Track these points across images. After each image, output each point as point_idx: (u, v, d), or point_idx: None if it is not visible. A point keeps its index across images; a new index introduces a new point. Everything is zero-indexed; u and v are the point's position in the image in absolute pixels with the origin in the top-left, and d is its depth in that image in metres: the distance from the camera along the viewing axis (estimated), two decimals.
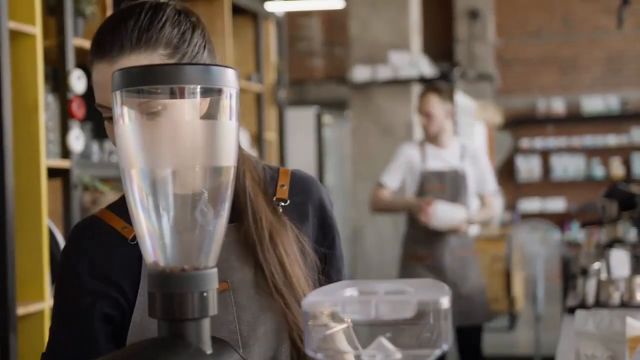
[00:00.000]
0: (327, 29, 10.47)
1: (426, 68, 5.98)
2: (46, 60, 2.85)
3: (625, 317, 1.84)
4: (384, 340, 0.75)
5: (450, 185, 4.09)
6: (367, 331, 0.78)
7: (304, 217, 1.31)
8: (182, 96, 0.88)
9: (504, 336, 6.94)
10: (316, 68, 10.50)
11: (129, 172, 0.89)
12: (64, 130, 2.91)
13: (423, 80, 5.98)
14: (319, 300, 0.75)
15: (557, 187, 10.48)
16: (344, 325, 0.79)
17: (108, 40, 1.17)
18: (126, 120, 0.89)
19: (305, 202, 1.32)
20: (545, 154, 10.49)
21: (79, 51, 3.00)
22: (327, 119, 7.05)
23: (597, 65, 10.35)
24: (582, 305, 2.67)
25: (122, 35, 1.16)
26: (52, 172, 2.86)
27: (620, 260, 2.98)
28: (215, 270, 0.90)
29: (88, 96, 3.00)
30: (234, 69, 0.91)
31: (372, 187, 4.50)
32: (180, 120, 0.93)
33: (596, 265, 2.84)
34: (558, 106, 10.38)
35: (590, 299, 2.69)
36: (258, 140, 4.77)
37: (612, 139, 10.22)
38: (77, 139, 2.92)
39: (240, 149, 1.27)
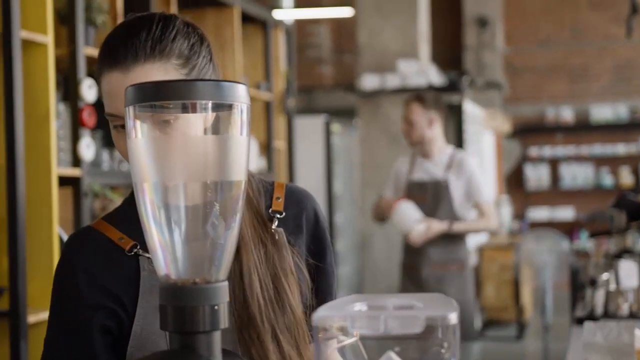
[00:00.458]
0: (335, 37, 10.49)
1: (435, 77, 5.99)
2: (57, 69, 2.88)
3: (633, 329, 1.84)
4: (393, 355, 0.76)
5: (431, 196, 4.08)
6: (376, 345, 0.79)
7: (299, 230, 1.32)
8: (194, 111, 0.89)
9: (512, 345, 6.92)
10: (325, 75, 10.52)
11: (142, 185, 0.90)
12: (75, 138, 2.93)
13: (432, 89, 5.98)
14: (329, 315, 0.76)
15: (566, 196, 10.46)
16: (353, 339, 0.80)
17: (121, 49, 1.18)
18: (139, 134, 0.90)
19: (299, 214, 1.33)
20: (554, 163, 10.47)
21: (90, 60, 3.02)
22: (336, 127, 7.06)
23: (606, 74, 10.34)
24: (591, 316, 2.66)
25: (136, 44, 1.17)
26: (63, 181, 2.87)
27: (629, 270, 2.97)
28: (226, 283, 0.91)
29: (99, 105, 3.03)
30: (244, 85, 0.92)
31: (380, 194, 4.54)
32: (191, 135, 0.95)
33: (605, 275, 2.84)
34: (567, 115, 10.37)
35: (599, 309, 2.69)
36: (267, 148, 4.79)
37: (621, 148, 10.19)
38: (87, 147, 2.94)
39: None
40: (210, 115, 0.90)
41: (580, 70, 10.41)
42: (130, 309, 1.21)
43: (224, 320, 0.90)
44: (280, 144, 4.98)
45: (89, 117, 2.94)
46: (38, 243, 2.71)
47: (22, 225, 2.61)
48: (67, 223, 2.93)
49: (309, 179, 6.39)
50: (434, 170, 4.08)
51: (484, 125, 8.45)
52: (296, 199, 1.34)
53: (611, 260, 3.36)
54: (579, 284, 4.25)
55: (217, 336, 0.90)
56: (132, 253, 1.22)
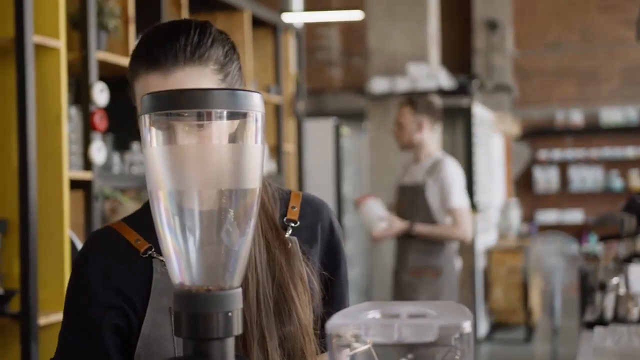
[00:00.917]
0: (345, 39, 10.50)
1: (445, 80, 5.99)
2: (69, 73, 2.89)
3: None
4: None
5: (408, 200, 4.09)
6: (388, 353, 0.79)
7: (314, 239, 1.33)
8: (209, 120, 0.90)
9: (520, 348, 6.91)
10: (334, 78, 10.53)
11: (157, 193, 0.91)
12: (86, 142, 2.94)
13: (441, 92, 5.98)
14: (343, 323, 0.77)
15: (575, 198, 10.43)
16: (366, 347, 0.80)
17: (161, 52, 1.18)
18: (154, 143, 0.91)
19: (315, 224, 1.34)
20: (563, 166, 10.45)
21: (102, 64, 3.04)
22: (346, 130, 7.06)
23: (615, 77, 10.31)
24: (601, 320, 2.66)
25: (176, 48, 1.19)
26: (74, 184, 2.89)
27: (639, 275, 2.97)
28: (239, 290, 0.91)
29: (110, 109, 3.05)
30: (259, 93, 0.93)
31: (390, 198, 4.55)
32: (206, 143, 0.95)
33: (615, 280, 2.84)
34: (576, 118, 10.35)
35: (609, 314, 2.69)
36: (277, 151, 4.80)
37: (630, 151, 10.16)
38: (99, 150, 2.96)
39: None
40: (228, 126, 0.91)
41: (589, 73, 10.38)
42: (140, 310, 1.23)
43: (238, 327, 0.90)
44: (290, 147, 4.99)
45: (100, 120, 2.96)
46: (49, 246, 2.73)
47: (33, 228, 2.63)
48: (78, 226, 2.95)
49: (319, 181, 6.40)
50: (417, 174, 4.09)
51: (494, 128, 8.45)
52: (312, 209, 1.35)
53: (621, 264, 3.36)
54: (588, 288, 4.23)
55: (230, 343, 0.91)
56: (147, 255, 1.24)
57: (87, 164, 2.94)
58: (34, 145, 2.64)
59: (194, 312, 0.89)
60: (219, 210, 0.91)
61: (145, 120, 0.91)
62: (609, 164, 10.30)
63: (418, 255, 4.03)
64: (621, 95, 10.29)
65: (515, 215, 8.90)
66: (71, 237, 2.81)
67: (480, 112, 7.78)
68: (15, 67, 2.62)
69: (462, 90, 6.41)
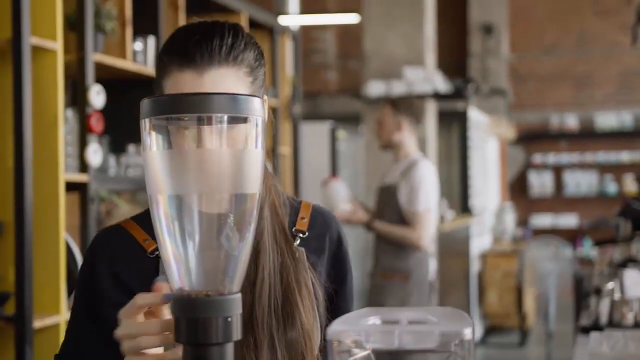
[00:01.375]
0: (340, 42, 10.50)
1: (441, 84, 6.00)
2: (66, 75, 2.88)
3: (639, 340, 1.84)
4: None
5: (384, 200, 4.08)
6: (388, 359, 0.79)
7: (321, 251, 1.33)
8: (209, 124, 0.90)
9: (514, 352, 6.92)
10: (330, 81, 10.53)
11: (156, 197, 0.91)
12: (83, 144, 2.94)
13: (437, 96, 5.98)
14: (343, 330, 0.77)
15: (570, 203, 10.45)
16: (366, 353, 0.80)
17: (197, 50, 1.18)
18: (154, 147, 0.91)
19: (324, 235, 1.35)
20: (557, 170, 10.47)
21: (99, 66, 3.03)
22: (341, 133, 7.06)
23: (611, 81, 10.34)
24: (596, 325, 2.66)
25: (210, 48, 1.18)
26: (70, 186, 2.88)
27: (634, 280, 2.97)
28: (239, 295, 0.91)
29: (106, 111, 3.04)
30: (259, 98, 0.93)
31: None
32: (207, 148, 0.95)
33: (610, 285, 2.84)
34: (571, 122, 10.36)
35: (604, 319, 2.69)
36: (272, 154, 4.80)
37: (625, 156, 10.19)
38: (95, 153, 2.95)
39: (267, 178, 1.29)
40: (228, 131, 0.91)
41: (584, 77, 10.40)
42: None
43: (237, 332, 0.90)
44: (285, 149, 4.99)
45: (96, 123, 2.95)
46: (45, 248, 2.72)
47: (29, 231, 2.62)
48: (74, 228, 2.94)
49: (314, 185, 6.39)
50: (393, 175, 4.09)
51: (489, 132, 8.46)
52: (321, 220, 1.36)
53: (616, 269, 3.36)
54: (582, 292, 4.23)
55: (230, 348, 0.90)
56: (154, 255, 1.24)
57: (83, 166, 2.94)
58: (30, 147, 2.63)
59: (193, 318, 0.89)
60: (219, 215, 0.90)
61: (145, 125, 0.91)
62: (604, 169, 10.32)
63: (387, 258, 3.97)
64: (616, 100, 10.31)
65: (510, 219, 8.91)
66: (67, 239, 2.80)
67: (476, 116, 7.79)
68: (12, 68, 2.61)
69: (457, 94, 6.41)
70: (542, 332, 7.04)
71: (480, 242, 7.75)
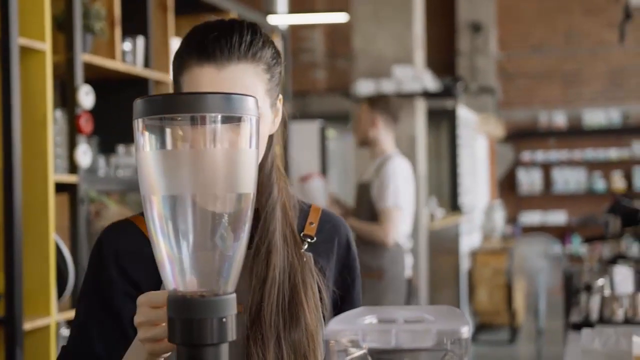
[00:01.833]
0: (329, 41, 10.50)
1: (430, 82, 6.00)
2: (55, 76, 2.87)
3: (631, 336, 1.85)
4: None
5: (357, 197, 4.10)
6: (384, 358, 0.79)
7: (329, 256, 1.34)
8: (203, 124, 0.89)
9: (504, 349, 6.93)
10: (318, 80, 10.53)
11: (150, 198, 0.91)
12: (72, 145, 2.92)
13: (427, 94, 5.99)
14: (340, 329, 0.77)
15: (558, 200, 10.49)
16: (362, 352, 0.80)
17: (216, 46, 1.18)
18: (147, 148, 0.91)
19: (332, 239, 1.35)
20: (546, 167, 10.51)
21: (88, 67, 3.02)
22: (331, 132, 7.06)
23: (599, 79, 10.38)
24: (586, 321, 2.67)
25: (230, 44, 1.19)
26: (59, 187, 2.87)
27: (624, 276, 2.98)
28: (234, 295, 0.91)
29: (96, 111, 3.02)
30: (253, 97, 0.92)
31: None
32: (200, 147, 0.95)
33: (600, 281, 2.85)
34: (560, 119, 10.40)
35: (594, 315, 2.70)
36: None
37: (613, 153, 10.23)
38: (84, 154, 2.94)
39: (280, 179, 1.29)
40: (222, 130, 0.90)
41: (573, 75, 10.44)
42: None
43: (232, 333, 0.90)
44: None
45: (85, 123, 2.94)
46: (34, 249, 2.71)
47: (18, 232, 2.61)
48: (64, 229, 2.93)
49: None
50: (368, 172, 4.11)
51: (478, 130, 8.48)
52: (330, 225, 1.36)
53: (606, 266, 3.37)
54: (572, 289, 4.25)
55: (224, 349, 0.90)
56: None
57: (73, 167, 2.92)
58: (19, 148, 2.61)
59: (187, 318, 0.88)
60: (213, 215, 0.90)
61: (138, 125, 0.90)
62: (592, 166, 10.36)
63: (361, 255, 3.98)
64: (604, 97, 10.36)
65: (499, 216, 8.94)
66: (56, 240, 2.79)
67: (465, 114, 7.80)
68: (0, 69, 2.60)
69: (447, 92, 6.42)
70: (532, 329, 7.07)
71: (469, 240, 7.77)
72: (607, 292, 2.81)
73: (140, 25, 3.39)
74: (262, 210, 1.27)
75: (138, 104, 0.90)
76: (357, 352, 0.79)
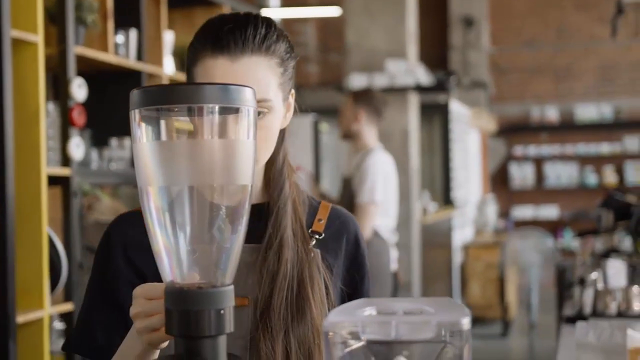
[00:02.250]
0: (321, 35, 10.48)
1: (422, 76, 6.00)
2: (47, 68, 2.85)
3: (625, 329, 1.85)
4: None
5: (341, 191, 4.12)
6: (385, 350, 0.79)
7: (338, 252, 1.33)
8: (200, 115, 0.88)
9: (496, 343, 6.95)
10: (311, 74, 10.51)
11: (146, 189, 0.90)
12: (65, 138, 2.91)
13: (419, 88, 5.99)
14: (339, 321, 0.76)
15: (551, 194, 10.51)
16: (361, 344, 0.80)
17: (230, 38, 1.19)
18: (144, 139, 0.90)
19: (341, 236, 1.34)
20: (538, 162, 10.52)
21: (80, 59, 3.00)
22: (324, 126, 7.06)
23: (590, 74, 10.40)
24: (580, 314, 2.68)
25: (244, 36, 1.19)
26: (52, 180, 2.85)
27: (617, 270, 2.99)
28: (231, 287, 0.90)
29: (88, 104, 3.01)
30: (251, 88, 0.92)
31: None
32: (197, 138, 0.94)
33: (593, 275, 2.86)
34: (552, 114, 10.42)
35: (588, 309, 2.71)
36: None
37: (605, 147, 10.26)
38: (77, 146, 2.92)
39: (291, 173, 1.29)
40: (220, 121, 0.90)
41: (565, 70, 10.46)
42: None
43: (230, 325, 0.89)
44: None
45: (78, 116, 2.92)
46: (27, 242, 2.70)
47: (11, 225, 2.59)
48: (56, 222, 2.91)
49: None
50: (351, 167, 4.12)
51: (470, 124, 8.48)
52: (339, 222, 1.35)
53: (598, 259, 3.38)
54: (565, 283, 4.26)
55: (222, 340, 0.89)
56: None
57: (65, 160, 2.91)
58: (12, 141, 2.60)
59: (185, 310, 0.88)
60: (211, 206, 0.89)
61: (135, 116, 0.89)
62: (584, 160, 10.38)
63: None
64: (596, 92, 10.38)
65: (492, 211, 8.95)
66: (49, 233, 2.78)
67: (457, 108, 7.80)
68: None
69: (439, 86, 6.42)
70: (524, 322, 7.09)
71: (462, 234, 7.78)
72: (600, 285, 2.81)
73: (133, 17, 3.37)
74: (274, 205, 1.27)
75: (134, 94, 0.89)
76: (356, 344, 0.79)
